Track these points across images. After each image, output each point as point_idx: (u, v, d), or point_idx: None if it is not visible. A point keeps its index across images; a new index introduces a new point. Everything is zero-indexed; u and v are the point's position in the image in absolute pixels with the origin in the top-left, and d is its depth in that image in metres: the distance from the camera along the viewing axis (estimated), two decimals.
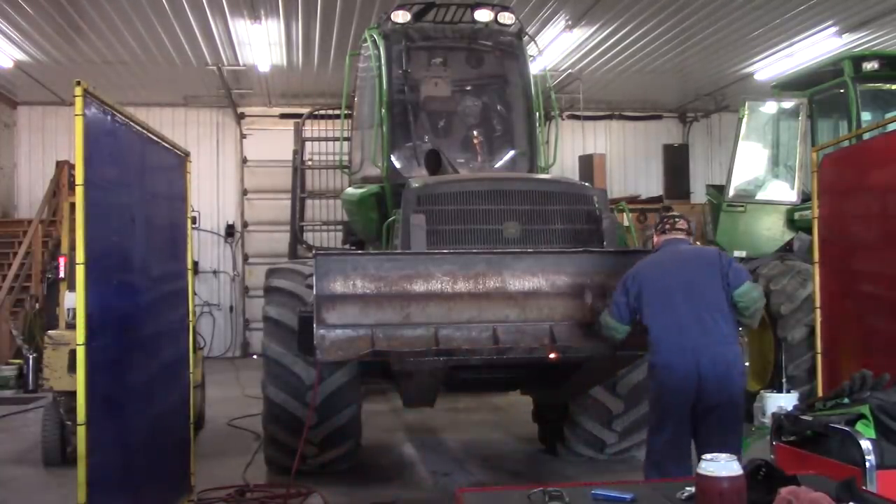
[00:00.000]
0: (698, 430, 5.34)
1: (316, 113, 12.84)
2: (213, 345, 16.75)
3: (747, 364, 5.65)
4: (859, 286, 6.43)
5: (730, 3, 11.71)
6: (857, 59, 9.81)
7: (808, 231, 7.99)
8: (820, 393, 6.51)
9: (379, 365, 6.83)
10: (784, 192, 10.69)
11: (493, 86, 8.64)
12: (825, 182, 6.71)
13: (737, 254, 10.58)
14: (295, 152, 12.87)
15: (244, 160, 17.79)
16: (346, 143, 9.26)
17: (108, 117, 4.91)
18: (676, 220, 5.83)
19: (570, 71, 15.08)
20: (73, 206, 5.91)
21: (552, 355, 5.88)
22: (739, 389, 5.36)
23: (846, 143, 8.11)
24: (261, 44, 13.03)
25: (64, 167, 14.78)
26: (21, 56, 13.69)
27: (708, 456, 2.79)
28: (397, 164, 7.82)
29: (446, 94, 8.23)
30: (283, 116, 17.22)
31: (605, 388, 7.54)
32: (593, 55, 14.27)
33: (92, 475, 4.38)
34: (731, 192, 10.84)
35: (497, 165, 8.30)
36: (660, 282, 5.48)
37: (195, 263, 14.26)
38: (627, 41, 13.50)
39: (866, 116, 9.77)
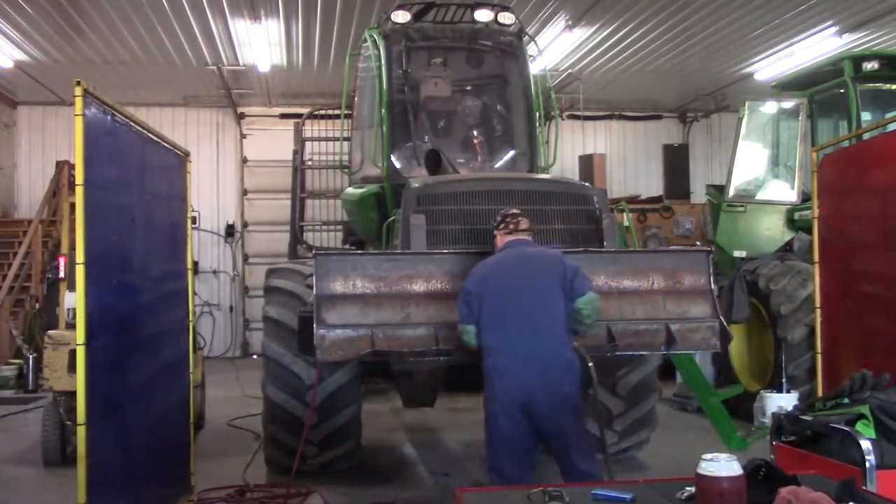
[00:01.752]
0: (544, 437, 5.25)
1: (316, 113, 12.83)
2: (213, 345, 16.75)
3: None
4: (859, 286, 6.42)
5: (730, 3, 11.71)
6: (857, 59, 9.81)
7: (808, 231, 7.99)
8: (820, 393, 6.50)
9: (379, 365, 6.83)
10: (784, 192, 10.68)
11: (492, 86, 8.64)
12: (825, 182, 6.70)
13: (737, 254, 10.59)
14: (295, 152, 12.86)
15: (244, 160, 17.80)
16: (346, 143, 9.26)
17: (108, 117, 4.91)
18: (520, 219, 5.67)
19: (570, 71, 15.08)
20: (73, 206, 5.91)
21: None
22: (574, 397, 5.26)
23: (846, 143, 8.11)
24: (261, 44, 13.03)
25: (64, 167, 14.78)
26: (21, 56, 13.70)
27: (708, 456, 2.80)
28: (397, 164, 7.82)
29: (446, 94, 8.23)
30: (283, 116, 17.22)
31: (604, 388, 7.52)
32: (593, 55, 14.27)
33: (92, 475, 4.38)
34: (731, 192, 10.84)
35: (497, 165, 8.30)
36: (502, 285, 5.34)
37: (195, 263, 14.27)
38: (627, 41, 13.50)
39: (866, 116, 9.77)
